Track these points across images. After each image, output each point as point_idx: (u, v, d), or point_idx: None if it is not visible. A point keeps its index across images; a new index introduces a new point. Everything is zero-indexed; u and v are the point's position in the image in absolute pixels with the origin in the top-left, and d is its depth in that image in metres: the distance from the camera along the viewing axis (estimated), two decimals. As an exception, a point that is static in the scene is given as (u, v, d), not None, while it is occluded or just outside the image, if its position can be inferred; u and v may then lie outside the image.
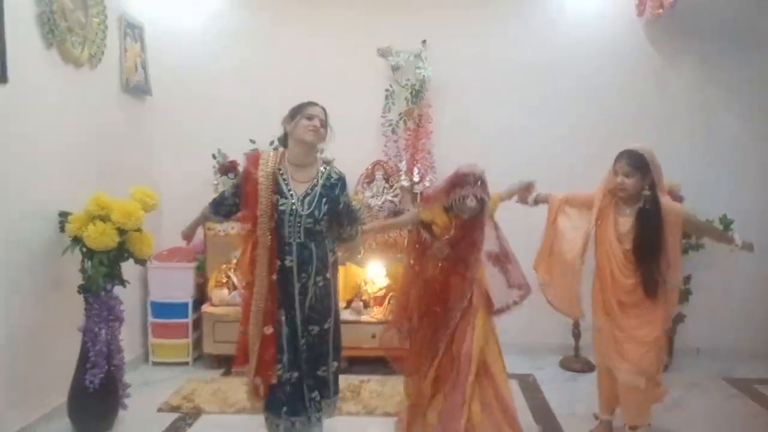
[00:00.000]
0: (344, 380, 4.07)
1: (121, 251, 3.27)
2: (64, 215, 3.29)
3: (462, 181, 2.83)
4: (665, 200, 2.98)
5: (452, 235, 2.88)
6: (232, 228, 4.32)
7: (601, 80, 4.71)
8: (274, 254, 2.73)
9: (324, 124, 2.83)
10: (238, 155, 4.54)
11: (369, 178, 4.66)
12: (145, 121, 4.61)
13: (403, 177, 4.60)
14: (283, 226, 2.73)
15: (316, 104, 2.86)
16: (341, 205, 2.85)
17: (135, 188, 3.41)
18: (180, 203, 4.63)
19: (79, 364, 3.24)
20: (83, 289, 3.24)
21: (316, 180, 2.82)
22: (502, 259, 2.95)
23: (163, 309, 4.37)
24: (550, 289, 3.20)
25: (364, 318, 4.41)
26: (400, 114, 4.70)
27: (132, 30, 4.31)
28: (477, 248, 2.87)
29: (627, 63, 4.72)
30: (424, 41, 4.66)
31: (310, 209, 2.75)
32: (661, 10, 4.30)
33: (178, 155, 4.78)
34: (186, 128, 4.80)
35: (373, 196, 4.58)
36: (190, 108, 4.80)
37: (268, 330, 2.76)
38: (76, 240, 3.20)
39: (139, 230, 3.31)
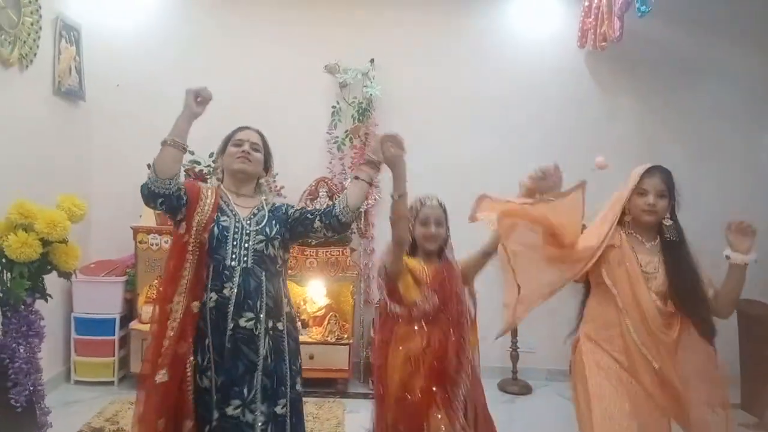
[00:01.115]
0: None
1: (44, 263, 3.07)
2: (-17, 223, 3.08)
3: (415, 198, 2.58)
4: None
5: (431, 278, 2.44)
6: (165, 242, 4.16)
7: (547, 107, 4.81)
8: (201, 279, 2.13)
9: (258, 148, 2.37)
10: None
11: (312, 195, 4.58)
12: (78, 127, 4.41)
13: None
14: (225, 245, 2.17)
15: (247, 128, 2.43)
16: (292, 210, 2.38)
17: (62, 196, 3.23)
18: (111, 215, 4.47)
19: (-6, 383, 3.02)
20: (1, 303, 3.02)
21: (260, 206, 2.36)
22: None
23: (87, 325, 4.14)
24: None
25: (302, 338, 4.29)
26: (346, 131, 4.67)
27: (68, 32, 4.13)
28: (458, 298, 2.47)
29: (572, 91, 4.84)
30: (372, 60, 4.66)
31: (260, 226, 2.25)
32: (605, 43, 4.43)
33: (112, 164, 4.59)
34: (121, 137, 4.63)
35: (315, 213, 4.50)
36: (127, 116, 4.63)
37: (162, 377, 2.07)
38: (-5, 249, 3.00)
39: (64, 241, 3.12)
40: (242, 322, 2.13)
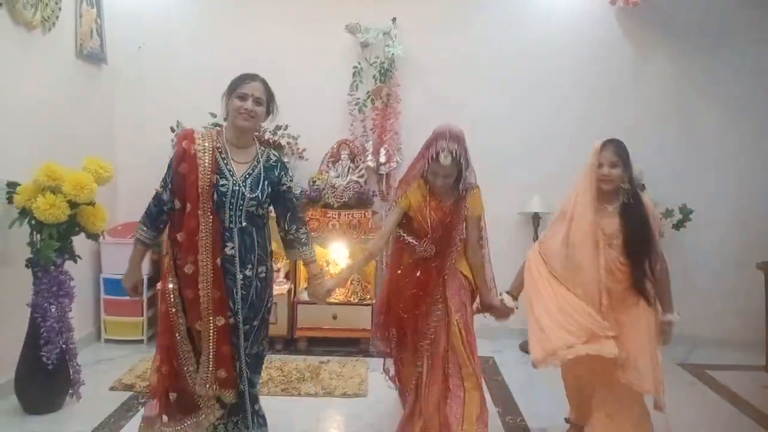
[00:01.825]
0: (303, 361, 4.05)
1: (73, 225, 3.14)
2: (12, 186, 3.14)
3: (436, 136, 2.71)
4: (646, 199, 2.78)
5: (433, 224, 2.73)
6: (191, 204, 4.19)
7: (575, 66, 4.70)
8: (218, 237, 2.39)
9: (261, 101, 2.49)
10: (198, 128, 4.40)
11: (334, 158, 4.58)
12: (101, 89, 4.43)
13: (369, 157, 4.53)
14: (223, 209, 2.40)
15: (252, 79, 2.51)
16: (284, 188, 2.56)
17: (89, 159, 3.27)
18: (137, 176, 4.51)
19: (28, 341, 3.12)
20: (32, 264, 3.10)
21: (256, 161, 2.52)
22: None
23: (116, 286, 4.16)
24: None
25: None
26: (367, 92, 4.62)
27: (89, -6, 4.12)
28: (453, 233, 2.74)
29: (600, 51, 4.71)
30: (394, 19, 4.58)
31: (254, 191, 2.44)
32: (637, 0, 4.29)
33: (136, 127, 4.62)
34: (144, 99, 4.64)
35: (338, 176, 4.50)
36: (149, 78, 4.64)
37: (220, 321, 2.41)
38: (25, 212, 3.06)
39: (92, 203, 3.18)
40: (247, 272, 2.47)
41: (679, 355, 4.48)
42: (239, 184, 2.43)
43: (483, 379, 2.97)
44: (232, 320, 2.46)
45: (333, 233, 4.36)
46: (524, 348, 4.55)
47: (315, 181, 4.44)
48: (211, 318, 2.41)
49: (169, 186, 2.45)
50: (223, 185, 2.40)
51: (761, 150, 4.74)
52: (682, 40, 4.69)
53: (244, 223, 2.44)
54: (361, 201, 4.42)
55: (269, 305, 2.63)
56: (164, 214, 2.48)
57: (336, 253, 4.53)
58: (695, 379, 4.08)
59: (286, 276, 4.41)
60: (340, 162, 4.54)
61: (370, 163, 4.51)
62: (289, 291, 4.31)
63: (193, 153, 2.41)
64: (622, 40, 4.72)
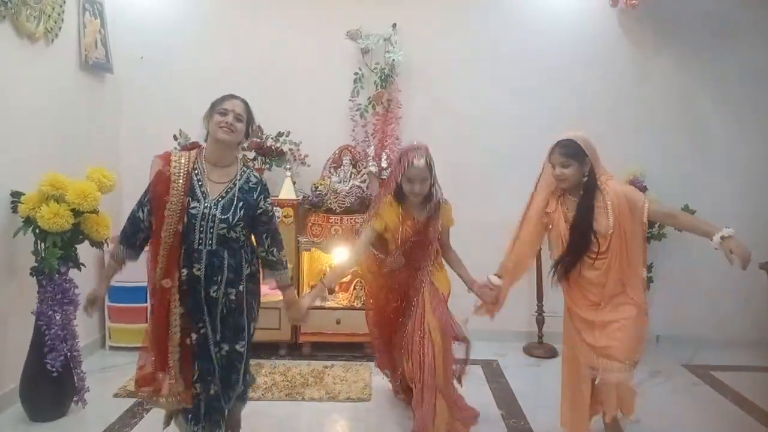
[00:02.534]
0: (307, 366, 4.06)
1: (77, 233, 3.18)
2: (16, 195, 3.18)
3: (406, 150, 2.96)
4: (613, 185, 2.78)
5: (404, 238, 2.97)
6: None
7: (577, 69, 4.70)
8: (175, 261, 2.40)
9: (241, 118, 2.52)
10: (201, 136, 4.43)
11: (336, 163, 4.60)
12: (105, 99, 4.47)
13: (370, 162, 4.54)
14: (193, 231, 2.41)
15: (233, 97, 2.56)
16: (260, 211, 2.56)
17: (92, 168, 3.31)
18: (141, 185, 4.47)
19: (32, 349, 3.15)
20: (36, 272, 3.13)
21: (233, 183, 2.52)
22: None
23: (121, 293, 4.25)
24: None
25: (329, 303, 4.37)
26: (368, 98, 4.65)
27: (91, 5, 4.16)
28: (429, 247, 2.98)
29: (603, 52, 4.71)
30: (394, 25, 4.60)
31: (225, 214, 2.45)
32: (635, 1, 4.30)
33: (140, 136, 4.65)
34: (148, 109, 4.68)
35: (340, 182, 4.52)
36: (153, 88, 4.68)
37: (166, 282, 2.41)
38: (29, 221, 3.09)
39: (95, 212, 3.21)
40: (211, 292, 2.46)
41: (683, 356, 4.48)
42: (210, 207, 2.44)
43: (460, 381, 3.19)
44: (195, 336, 2.46)
45: (335, 238, 4.37)
46: (528, 351, 4.56)
47: (317, 187, 4.46)
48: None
49: (147, 207, 2.50)
50: (193, 208, 2.42)
51: (765, 149, 4.73)
52: (684, 40, 4.69)
53: (214, 246, 2.44)
54: (363, 206, 4.43)
55: (245, 343, 2.57)
56: (141, 232, 2.52)
57: (338, 259, 4.54)
58: (699, 380, 4.07)
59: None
60: (342, 167, 4.56)
61: (372, 168, 4.53)
62: (292, 296, 4.33)
63: (167, 176, 2.44)
64: (624, 42, 4.72)
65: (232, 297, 2.49)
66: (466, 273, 3.10)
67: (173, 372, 2.43)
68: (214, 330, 2.49)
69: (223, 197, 2.48)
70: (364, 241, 3.07)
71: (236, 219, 2.46)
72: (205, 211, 2.43)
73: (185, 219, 2.41)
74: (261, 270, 2.69)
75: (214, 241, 2.44)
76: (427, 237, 2.97)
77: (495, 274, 2.97)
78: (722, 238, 2.61)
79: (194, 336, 2.46)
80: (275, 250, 2.64)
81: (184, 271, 2.42)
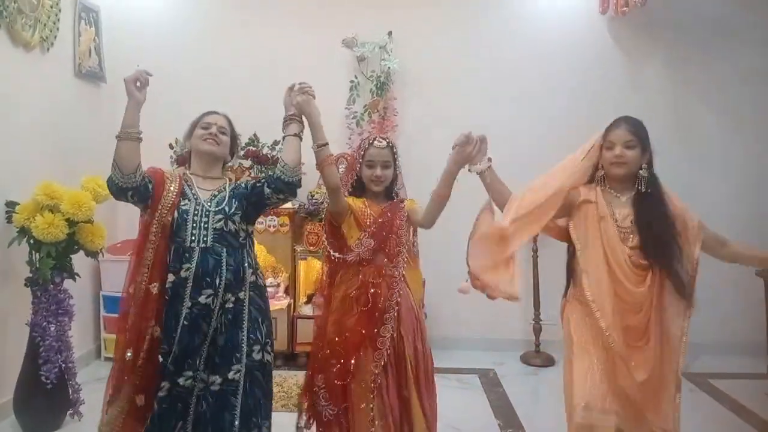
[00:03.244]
0: (304, 376, 4.03)
1: (71, 243, 3.16)
2: (11, 205, 3.17)
3: (365, 137, 2.74)
4: (671, 191, 2.33)
5: (371, 220, 2.46)
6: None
7: (569, 76, 4.73)
8: (162, 260, 2.19)
9: (225, 131, 2.43)
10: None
11: (332, 171, 4.58)
12: (100, 108, 4.45)
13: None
14: (185, 228, 2.22)
15: (215, 112, 2.48)
16: (251, 185, 2.39)
17: (87, 178, 3.29)
18: (136, 194, 4.53)
19: (27, 360, 3.13)
20: (30, 283, 3.11)
21: (224, 187, 2.39)
22: None
23: (116, 303, 4.17)
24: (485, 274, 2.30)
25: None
26: (364, 106, 4.65)
27: (87, 14, 4.16)
28: (398, 233, 2.45)
29: (594, 60, 4.74)
30: (389, 33, 4.62)
31: (219, 206, 2.29)
32: (626, 9, 4.32)
33: (135, 144, 4.63)
34: (143, 117, 4.60)
35: (336, 189, 4.51)
36: (148, 96, 4.61)
37: (128, 355, 2.15)
38: (24, 231, 3.08)
39: (90, 221, 3.19)
40: (202, 299, 2.18)
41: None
42: (203, 204, 2.29)
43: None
44: (171, 368, 2.13)
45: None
46: (525, 360, 4.54)
47: (314, 195, 4.45)
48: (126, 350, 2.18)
49: (150, 178, 2.29)
50: (185, 204, 2.27)
51: (762, 154, 4.74)
52: (676, 45, 4.71)
53: (209, 242, 2.22)
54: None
55: (241, 366, 2.19)
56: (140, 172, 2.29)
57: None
58: (696, 387, 4.06)
59: (286, 291, 4.41)
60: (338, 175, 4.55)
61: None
62: (288, 306, 4.31)
63: (161, 173, 2.36)
64: (614, 49, 4.75)
65: (229, 306, 2.21)
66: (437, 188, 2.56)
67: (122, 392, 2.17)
68: (196, 357, 2.16)
69: (215, 195, 2.34)
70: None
71: (233, 209, 2.29)
72: (197, 207, 2.27)
73: (175, 215, 2.23)
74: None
75: (209, 237, 2.23)
76: (392, 220, 2.47)
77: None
78: None
79: (166, 385, 2.13)
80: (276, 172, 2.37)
81: (170, 277, 2.18)
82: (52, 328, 3.10)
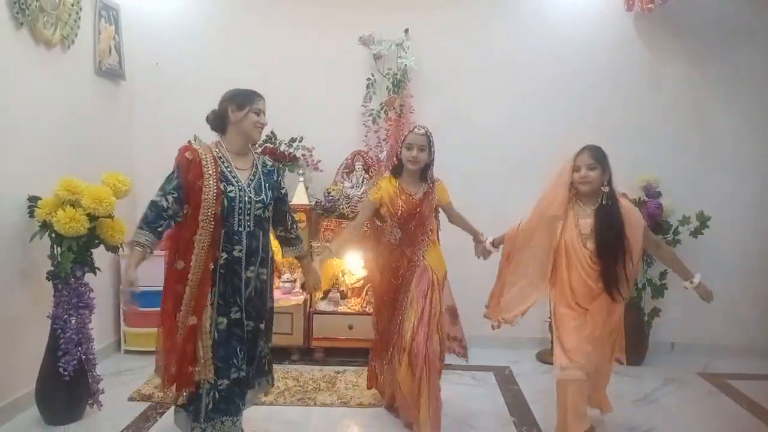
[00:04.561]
0: (320, 371, 4.07)
1: (92, 238, 3.20)
2: (33, 200, 3.22)
3: (408, 128, 3.30)
4: (625, 202, 2.95)
5: (401, 212, 3.09)
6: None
7: (590, 74, 4.67)
8: (217, 243, 2.56)
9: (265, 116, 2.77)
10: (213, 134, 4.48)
11: (348, 169, 4.61)
12: (120, 105, 4.51)
13: (383, 168, 4.55)
14: (233, 215, 2.58)
15: (262, 97, 2.75)
16: (283, 191, 2.84)
17: (107, 173, 3.34)
18: (156, 189, 4.56)
19: (48, 352, 3.18)
20: (52, 276, 3.16)
21: (254, 167, 2.73)
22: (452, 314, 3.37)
23: (136, 297, 4.26)
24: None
25: (341, 309, 4.38)
26: (381, 104, 4.65)
27: (107, 11, 4.21)
28: (424, 224, 3.12)
29: (617, 58, 4.67)
30: (406, 30, 4.61)
31: (259, 195, 2.65)
32: (652, 5, 4.28)
33: (155, 141, 4.68)
34: (163, 113, 4.71)
35: (352, 187, 4.54)
36: (168, 93, 4.71)
37: (191, 320, 2.57)
38: (45, 225, 3.12)
39: (110, 216, 3.23)
40: (248, 274, 2.65)
41: (698, 364, 4.44)
42: (245, 190, 2.62)
43: (441, 370, 3.21)
44: (237, 316, 2.64)
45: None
46: (541, 358, 4.53)
47: (330, 192, 4.48)
48: (188, 316, 2.58)
49: (174, 194, 2.56)
50: (230, 191, 2.58)
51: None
52: (699, 44, 4.64)
53: (252, 227, 2.63)
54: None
55: (271, 307, 2.86)
56: (163, 220, 2.56)
57: (351, 264, 4.55)
58: (715, 388, 4.02)
59: (302, 287, 4.43)
60: (354, 173, 4.58)
61: (385, 174, 4.53)
62: (304, 301, 4.33)
63: (198, 161, 2.58)
64: (638, 46, 4.68)
65: (264, 277, 2.70)
66: (469, 225, 3.38)
67: (204, 359, 2.59)
68: (244, 312, 2.65)
69: (252, 180, 2.67)
70: (363, 211, 3.28)
71: (269, 198, 2.69)
72: (241, 194, 2.60)
73: (224, 203, 2.55)
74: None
75: (252, 223, 2.63)
76: (422, 212, 3.11)
77: (492, 241, 3.28)
78: (697, 282, 2.98)
79: (224, 321, 2.61)
80: (295, 226, 2.95)
81: (223, 255, 2.57)
82: (73, 321, 3.15)
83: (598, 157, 2.88)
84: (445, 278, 3.25)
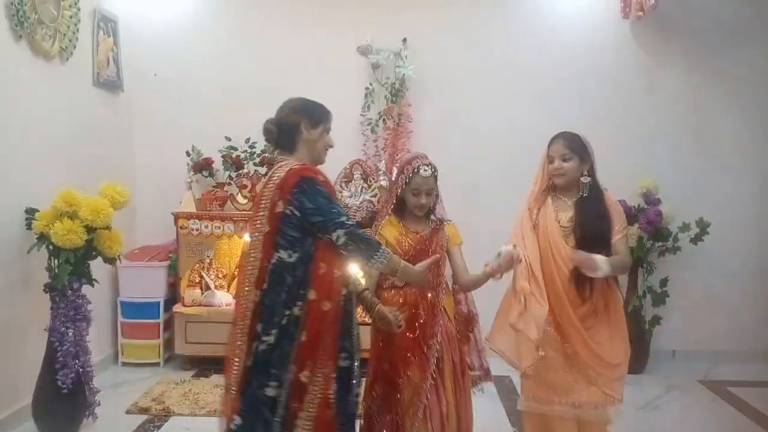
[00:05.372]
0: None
1: (90, 249, 3.19)
2: (30, 212, 3.21)
3: (409, 159, 2.64)
4: (608, 194, 2.60)
5: (406, 249, 2.52)
6: (205, 227, 4.26)
7: (588, 81, 4.67)
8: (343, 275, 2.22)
9: None
10: (213, 152, 4.49)
11: (347, 178, 4.61)
12: (118, 116, 4.52)
13: (381, 177, 4.55)
14: None
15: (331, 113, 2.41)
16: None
17: (105, 185, 3.33)
18: (154, 201, 4.59)
19: (45, 365, 3.16)
20: (49, 288, 3.15)
21: None
22: (466, 323, 2.70)
23: (133, 309, 4.28)
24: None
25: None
26: (379, 113, 4.66)
27: (105, 24, 4.22)
28: (438, 265, 2.50)
29: (614, 64, 4.68)
30: (404, 39, 4.62)
31: None
32: (641, 13, 4.29)
33: (153, 152, 4.69)
34: (160, 125, 4.72)
35: (351, 196, 4.53)
36: (165, 104, 4.72)
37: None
38: (43, 237, 3.11)
39: (108, 228, 3.22)
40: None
41: (699, 371, 4.41)
42: None
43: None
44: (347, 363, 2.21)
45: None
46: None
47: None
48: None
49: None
50: None
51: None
52: (697, 48, 4.65)
53: None
54: (374, 220, 4.43)
55: None
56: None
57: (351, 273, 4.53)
58: (716, 396, 4.01)
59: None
60: (353, 182, 4.57)
61: (383, 183, 4.53)
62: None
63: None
64: (636, 51, 4.68)
65: None
66: (477, 277, 2.58)
67: None
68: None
69: None
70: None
71: None
72: None
73: None
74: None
75: None
76: (434, 250, 2.54)
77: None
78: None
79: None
80: None
81: (343, 290, 2.22)
82: (70, 333, 3.13)
83: (573, 146, 2.55)
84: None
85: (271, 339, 2.08)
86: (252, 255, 2.16)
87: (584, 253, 2.44)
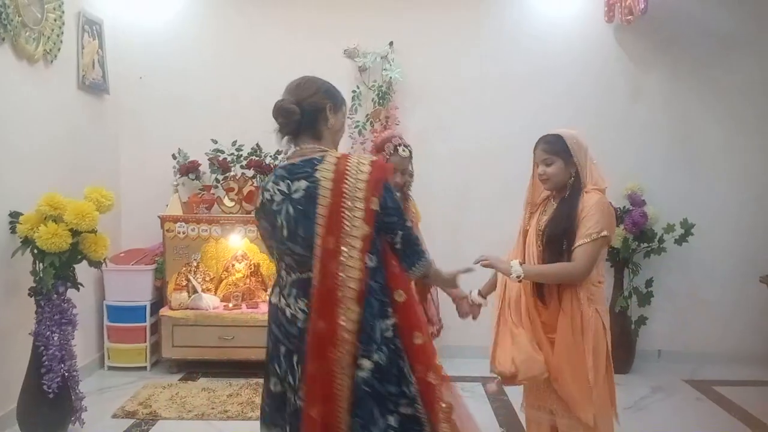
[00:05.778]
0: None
1: (75, 253, 3.16)
2: (15, 215, 3.18)
3: (385, 138, 2.84)
4: (598, 203, 2.33)
5: None
6: (192, 230, 4.24)
7: (575, 86, 4.69)
8: None
9: None
10: (199, 155, 4.47)
11: (334, 180, 4.61)
12: (103, 119, 4.49)
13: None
14: None
15: None
16: None
17: (90, 188, 3.31)
18: (140, 204, 4.57)
19: (30, 370, 3.13)
20: (34, 293, 3.12)
21: None
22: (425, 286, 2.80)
23: (119, 312, 4.25)
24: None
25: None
26: (366, 115, 4.66)
27: (90, 26, 4.20)
28: None
29: (600, 69, 4.71)
30: (391, 43, 4.63)
31: None
32: (631, 17, 4.32)
33: (139, 155, 4.67)
34: (146, 128, 4.70)
35: (338, 198, 4.53)
36: (151, 107, 4.69)
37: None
38: (27, 241, 3.09)
39: (93, 231, 3.20)
40: None
41: (685, 371, 4.45)
42: None
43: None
44: None
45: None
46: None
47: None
48: None
49: None
50: None
51: (764, 161, 4.71)
52: (682, 54, 4.69)
53: None
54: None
55: None
56: None
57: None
58: (702, 395, 4.04)
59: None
60: (340, 184, 4.57)
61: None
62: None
63: None
64: (621, 58, 4.72)
65: None
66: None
67: None
68: None
69: None
70: None
71: None
72: None
73: None
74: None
75: None
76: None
77: (479, 291, 2.61)
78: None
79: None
80: None
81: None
82: (56, 338, 3.11)
83: (554, 149, 2.42)
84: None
85: (380, 357, 1.83)
86: (349, 264, 1.82)
87: (494, 256, 2.41)
